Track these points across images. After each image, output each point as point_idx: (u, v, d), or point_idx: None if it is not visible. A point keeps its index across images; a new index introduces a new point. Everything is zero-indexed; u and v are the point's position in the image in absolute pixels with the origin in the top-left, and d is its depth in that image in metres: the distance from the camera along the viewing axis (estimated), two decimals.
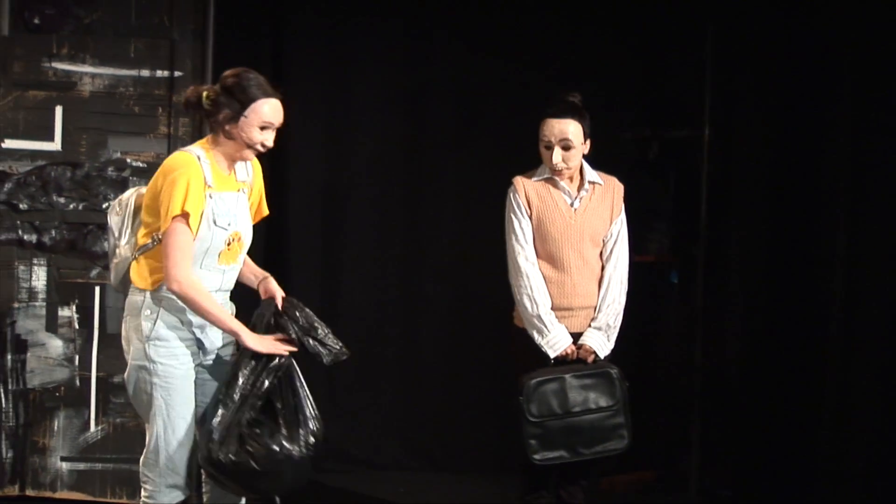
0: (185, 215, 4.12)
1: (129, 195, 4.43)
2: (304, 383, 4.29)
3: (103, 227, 5.89)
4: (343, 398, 7.24)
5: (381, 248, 7.24)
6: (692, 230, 7.00)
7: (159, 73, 6.16)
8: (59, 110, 6.15)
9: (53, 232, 6.25)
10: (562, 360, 5.25)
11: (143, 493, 4.34)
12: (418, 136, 7.23)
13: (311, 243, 7.17)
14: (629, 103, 7.25)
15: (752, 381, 6.79)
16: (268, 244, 6.91)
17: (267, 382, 4.20)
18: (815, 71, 6.56)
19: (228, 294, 4.44)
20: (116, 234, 4.40)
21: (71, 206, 6.24)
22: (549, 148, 5.22)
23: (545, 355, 5.23)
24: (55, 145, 6.19)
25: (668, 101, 7.26)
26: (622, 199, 5.35)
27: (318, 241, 7.18)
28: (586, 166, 5.38)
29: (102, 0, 6.15)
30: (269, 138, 4.22)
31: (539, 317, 5.19)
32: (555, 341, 5.22)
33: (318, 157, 7.21)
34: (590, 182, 5.34)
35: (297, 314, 4.31)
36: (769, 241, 6.75)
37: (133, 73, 6.17)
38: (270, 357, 4.22)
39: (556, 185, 5.31)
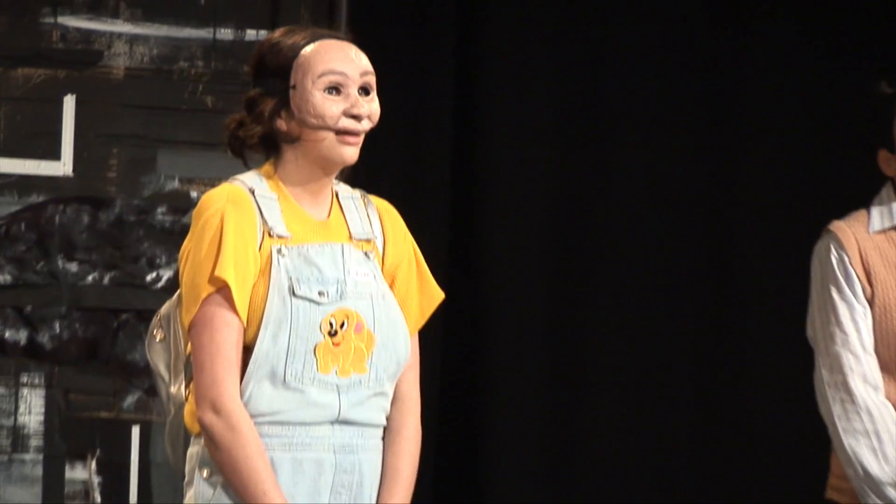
0: (219, 287, 3.56)
1: (172, 306, 3.81)
2: None
3: (144, 317, 5.56)
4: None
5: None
6: None
7: None
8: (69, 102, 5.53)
9: (58, 326, 5.54)
10: None
11: None
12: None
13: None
14: None
15: None
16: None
17: None
18: None
19: (373, 431, 3.60)
20: (165, 375, 3.79)
21: (89, 278, 5.55)
22: None
23: None
24: (62, 166, 5.59)
25: None
26: None
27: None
28: None
29: None
30: (354, 105, 3.58)
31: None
32: None
33: (503, 194, 6.24)
34: None
35: None
36: None
37: None
38: None
39: None
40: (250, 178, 3.69)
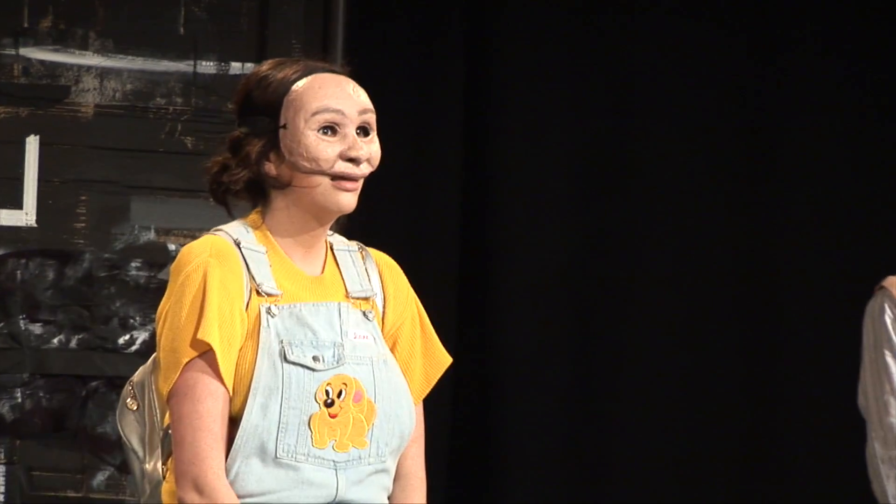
0: (202, 352, 3.49)
1: (147, 372, 3.73)
2: None
3: (115, 385, 5.61)
4: None
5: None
6: None
7: None
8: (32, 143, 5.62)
9: (19, 394, 5.62)
10: None
11: None
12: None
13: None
14: None
15: None
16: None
17: None
18: None
19: None
20: (139, 449, 3.68)
21: (54, 341, 5.64)
22: None
23: None
24: (24, 215, 5.70)
25: None
26: None
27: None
28: None
29: None
30: (351, 146, 3.50)
31: None
32: None
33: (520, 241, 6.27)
34: None
35: None
36: None
37: None
38: None
39: None
40: (235, 228, 3.57)
